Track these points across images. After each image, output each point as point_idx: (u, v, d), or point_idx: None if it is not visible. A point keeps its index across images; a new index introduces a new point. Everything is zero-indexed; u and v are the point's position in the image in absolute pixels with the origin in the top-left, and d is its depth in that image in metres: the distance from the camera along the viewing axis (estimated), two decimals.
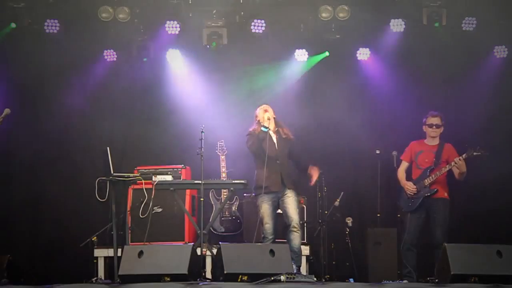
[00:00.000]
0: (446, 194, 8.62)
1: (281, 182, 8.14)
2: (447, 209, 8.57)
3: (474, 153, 8.40)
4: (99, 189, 8.05)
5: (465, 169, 8.48)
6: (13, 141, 9.88)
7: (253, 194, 8.80)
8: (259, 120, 8.24)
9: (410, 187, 8.62)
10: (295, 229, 8.07)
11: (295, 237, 8.04)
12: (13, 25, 9.65)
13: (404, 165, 8.86)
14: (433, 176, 8.56)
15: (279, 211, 8.26)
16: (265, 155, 8.00)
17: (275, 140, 8.27)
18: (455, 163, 8.43)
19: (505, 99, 9.90)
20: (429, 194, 8.54)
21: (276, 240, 8.20)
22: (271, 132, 8.27)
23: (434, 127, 8.71)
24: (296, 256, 7.98)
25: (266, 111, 8.26)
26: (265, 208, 8.13)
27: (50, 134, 10.10)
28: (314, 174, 8.32)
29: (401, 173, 8.84)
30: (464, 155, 8.44)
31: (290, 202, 8.13)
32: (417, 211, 8.61)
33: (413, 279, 8.37)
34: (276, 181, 8.12)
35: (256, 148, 8.13)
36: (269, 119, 8.18)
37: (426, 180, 8.57)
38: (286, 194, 8.15)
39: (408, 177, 8.80)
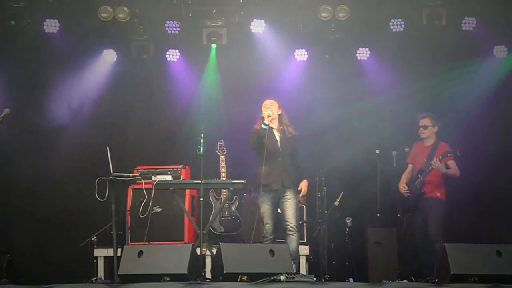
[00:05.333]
0: (438, 194, 8.65)
1: (282, 180, 8.11)
2: (440, 207, 8.61)
3: (448, 154, 8.49)
4: (99, 189, 8.04)
5: (444, 171, 8.55)
6: (12, 141, 9.87)
7: (253, 194, 8.82)
8: (261, 116, 8.22)
9: (402, 190, 8.74)
10: (291, 232, 8.03)
11: (292, 240, 8.01)
12: (12, 22, 9.66)
13: (408, 167, 8.95)
14: (421, 177, 8.62)
15: (280, 210, 8.25)
16: (264, 153, 7.96)
17: (278, 138, 8.23)
18: (434, 163, 8.50)
19: (505, 99, 9.90)
20: (419, 195, 8.61)
21: (276, 240, 8.19)
22: (274, 130, 8.24)
23: (421, 128, 8.80)
24: (292, 259, 7.94)
25: (268, 108, 8.23)
26: (266, 208, 8.11)
27: (49, 134, 10.11)
28: (303, 188, 8.28)
29: (403, 175, 8.94)
30: (440, 157, 8.51)
31: (289, 204, 8.09)
32: (415, 212, 8.69)
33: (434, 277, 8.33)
34: (277, 179, 8.08)
35: (256, 145, 8.10)
36: (269, 115, 8.14)
37: (417, 182, 8.65)
38: (285, 196, 8.11)
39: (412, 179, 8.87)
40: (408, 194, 8.75)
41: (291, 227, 8.03)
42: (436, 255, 7.85)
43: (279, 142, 8.21)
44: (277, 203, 8.14)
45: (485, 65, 10.01)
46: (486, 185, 9.60)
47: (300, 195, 8.29)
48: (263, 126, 8.07)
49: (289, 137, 8.25)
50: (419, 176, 8.68)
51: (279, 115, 8.28)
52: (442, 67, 10.05)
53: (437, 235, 8.35)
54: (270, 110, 8.18)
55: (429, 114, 8.83)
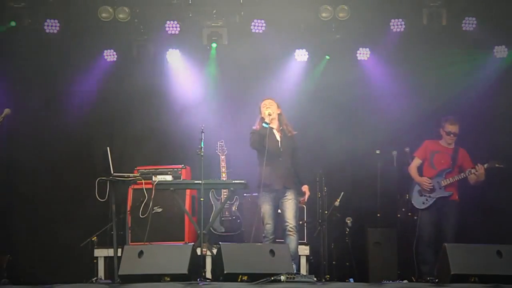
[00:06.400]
0: (457, 197, 8.68)
1: (283, 180, 8.09)
2: (459, 211, 8.63)
3: (496, 165, 8.47)
4: (99, 189, 8.05)
5: (483, 178, 8.53)
6: (13, 141, 9.88)
7: (253, 194, 8.82)
8: (261, 117, 8.21)
9: (426, 182, 8.64)
10: (290, 233, 8.02)
11: (291, 241, 7.99)
12: (13, 23, 9.66)
13: (417, 161, 8.87)
14: (450, 179, 8.63)
15: (279, 211, 8.23)
16: (265, 153, 7.95)
17: (278, 138, 8.20)
18: (476, 170, 8.48)
19: (505, 99, 9.90)
20: (443, 196, 8.58)
21: (276, 240, 8.17)
22: (274, 130, 8.22)
23: (452, 135, 8.76)
24: (292, 260, 7.89)
25: (267, 107, 8.20)
26: (266, 209, 8.09)
27: (50, 134, 10.11)
28: (306, 193, 8.28)
29: (414, 169, 8.85)
30: (485, 165, 8.49)
31: (289, 205, 8.07)
32: (429, 209, 8.64)
33: (433, 276, 8.32)
34: (277, 179, 8.06)
35: (257, 145, 8.09)
36: (270, 115, 8.11)
37: (442, 181, 8.61)
38: (286, 196, 8.09)
39: (419, 175, 8.83)
40: (431, 188, 8.69)
41: (290, 227, 8.02)
42: None
43: (279, 142, 8.20)
44: (278, 203, 8.14)
45: (485, 64, 10.01)
46: (486, 185, 9.58)
47: (305, 200, 8.29)
48: (264, 125, 8.05)
49: (289, 136, 8.24)
50: (444, 176, 8.65)
51: (278, 114, 8.27)
52: (442, 67, 10.05)
53: (455, 239, 8.37)
54: (270, 109, 8.17)
55: (458, 120, 8.77)
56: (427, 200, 8.66)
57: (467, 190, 8.88)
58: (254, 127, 8.22)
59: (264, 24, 9.84)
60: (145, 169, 9.09)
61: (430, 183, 8.66)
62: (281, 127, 8.25)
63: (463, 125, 9.52)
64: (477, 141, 9.27)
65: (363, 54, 10.23)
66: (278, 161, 8.11)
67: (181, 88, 10.38)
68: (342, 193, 9.33)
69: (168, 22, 9.84)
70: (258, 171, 8.13)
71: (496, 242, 7.67)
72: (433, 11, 9.63)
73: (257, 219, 8.39)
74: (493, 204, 9.52)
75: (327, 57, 10.27)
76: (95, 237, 9.00)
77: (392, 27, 9.78)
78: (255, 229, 8.42)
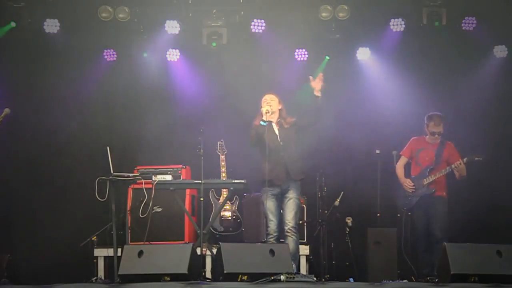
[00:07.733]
0: (444, 193, 8.67)
1: (286, 174, 8.03)
2: (445, 206, 8.64)
3: (476, 158, 8.46)
4: (99, 189, 8.05)
5: (465, 173, 8.53)
6: (12, 141, 9.88)
7: (253, 194, 8.81)
8: (261, 112, 8.13)
9: (408, 184, 8.68)
10: (289, 234, 7.99)
11: (290, 242, 7.95)
12: (13, 24, 9.66)
13: (403, 160, 8.90)
14: (432, 176, 8.61)
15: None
16: (266, 149, 7.93)
17: (277, 132, 8.17)
18: (456, 166, 8.48)
19: (505, 99, 9.90)
20: (427, 193, 8.58)
21: (280, 239, 8.13)
22: (274, 124, 8.18)
23: (436, 135, 8.74)
24: (292, 260, 7.88)
25: (267, 103, 8.13)
26: (270, 205, 8.03)
27: (50, 134, 10.11)
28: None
29: (400, 168, 8.89)
30: (465, 159, 8.49)
31: (290, 204, 8.03)
32: (417, 210, 8.66)
33: (433, 276, 8.30)
34: (279, 174, 8.01)
35: (255, 142, 8.07)
36: (267, 112, 8.05)
37: (425, 180, 8.63)
38: (287, 195, 8.06)
39: (407, 173, 8.84)
40: (413, 190, 8.70)
41: (289, 228, 7.99)
42: (438, 255, 7.83)
43: (278, 136, 8.14)
44: (281, 200, 8.09)
45: (485, 64, 10.01)
46: (487, 185, 9.59)
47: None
48: (261, 123, 8.01)
49: (286, 128, 8.16)
50: (427, 173, 8.65)
51: (279, 109, 8.23)
52: (442, 67, 10.06)
53: (443, 235, 8.37)
54: (269, 106, 8.11)
55: (443, 119, 8.75)
56: (410, 199, 8.70)
57: (460, 188, 8.91)
58: (254, 122, 8.16)
59: (264, 24, 9.85)
60: (145, 169, 9.09)
61: (411, 186, 8.67)
62: (279, 120, 8.21)
63: (463, 125, 9.55)
64: (477, 140, 9.26)
65: (363, 54, 10.24)
66: (279, 156, 8.04)
67: (181, 88, 10.38)
68: (342, 193, 9.33)
69: (168, 22, 9.85)
70: (261, 167, 8.08)
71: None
72: (433, 11, 9.64)
73: (263, 216, 8.38)
74: (488, 201, 9.55)
75: (327, 57, 10.27)
76: (95, 237, 9.01)
77: (392, 26, 9.80)
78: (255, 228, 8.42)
